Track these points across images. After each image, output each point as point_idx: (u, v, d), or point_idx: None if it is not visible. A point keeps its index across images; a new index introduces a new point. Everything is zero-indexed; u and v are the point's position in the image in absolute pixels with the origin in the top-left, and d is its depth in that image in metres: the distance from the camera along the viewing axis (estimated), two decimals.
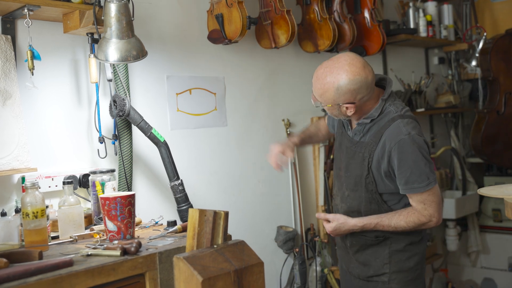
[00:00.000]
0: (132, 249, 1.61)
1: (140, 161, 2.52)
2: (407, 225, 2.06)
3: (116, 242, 1.71)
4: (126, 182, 2.31)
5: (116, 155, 2.36)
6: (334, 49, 3.19)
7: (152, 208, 2.52)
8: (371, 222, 2.09)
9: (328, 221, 2.17)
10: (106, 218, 1.83)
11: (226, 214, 1.64)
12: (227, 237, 1.64)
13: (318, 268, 3.17)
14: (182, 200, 2.32)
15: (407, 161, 1.98)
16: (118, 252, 1.59)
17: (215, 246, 1.58)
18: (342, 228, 2.14)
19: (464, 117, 4.61)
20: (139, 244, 1.65)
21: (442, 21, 4.25)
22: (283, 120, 3.20)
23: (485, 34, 4.17)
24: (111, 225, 1.82)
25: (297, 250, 3.08)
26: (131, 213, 1.85)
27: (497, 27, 4.43)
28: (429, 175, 1.99)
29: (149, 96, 2.59)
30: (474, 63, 4.20)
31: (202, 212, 1.61)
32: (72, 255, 1.63)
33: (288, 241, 3.08)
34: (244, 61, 3.02)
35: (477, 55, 4.15)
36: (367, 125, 2.09)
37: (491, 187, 1.99)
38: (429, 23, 4.02)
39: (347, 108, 2.02)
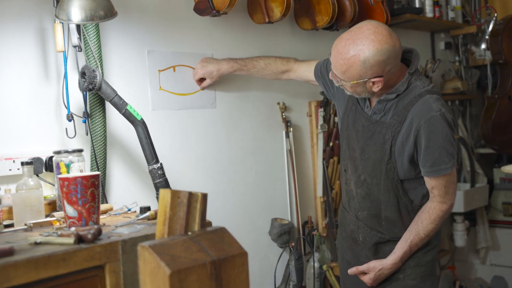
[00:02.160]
0: (89, 236, 1.34)
1: (116, 143, 2.25)
2: (435, 225, 1.88)
3: (74, 229, 1.45)
4: (97, 164, 2.04)
5: (87, 134, 2.10)
6: (333, 26, 2.94)
7: (129, 194, 2.25)
8: (405, 249, 1.90)
9: (364, 273, 1.98)
10: (65, 202, 1.56)
11: (204, 196, 1.38)
12: (205, 223, 1.39)
13: (316, 264, 2.92)
14: (162, 186, 2.06)
15: (437, 140, 1.78)
16: (71, 240, 1.32)
17: (189, 233, 1.33)
18: (383, 274, 1.95)
19: (473, 106, 4.36)
20: (99, 231, 1.38)
21: (450, 2, 4.00)
22: (278, 103, 2.94)
23: (495, 14, 3.91)
24: (70, 210, 1.55)
25: (293, 244, 2.84)
26: (95, 196, 1.58)
27: (508, 8, 4.18)
28: (453, 154, 1.80)
29: (127, 72, 2.33)
30: (483, 46, 3.94)
31: (174, 194, 1.36)
32: (16, 244, 1.36)
33: (283, 234, 2.82)
34: (235, 37, 2.76)
35: (487, 37, 3.89)
36: (390, 102, 1.87)
37: None
38: (436, 3, 3.76)
39: (373, 83, 1.79)
